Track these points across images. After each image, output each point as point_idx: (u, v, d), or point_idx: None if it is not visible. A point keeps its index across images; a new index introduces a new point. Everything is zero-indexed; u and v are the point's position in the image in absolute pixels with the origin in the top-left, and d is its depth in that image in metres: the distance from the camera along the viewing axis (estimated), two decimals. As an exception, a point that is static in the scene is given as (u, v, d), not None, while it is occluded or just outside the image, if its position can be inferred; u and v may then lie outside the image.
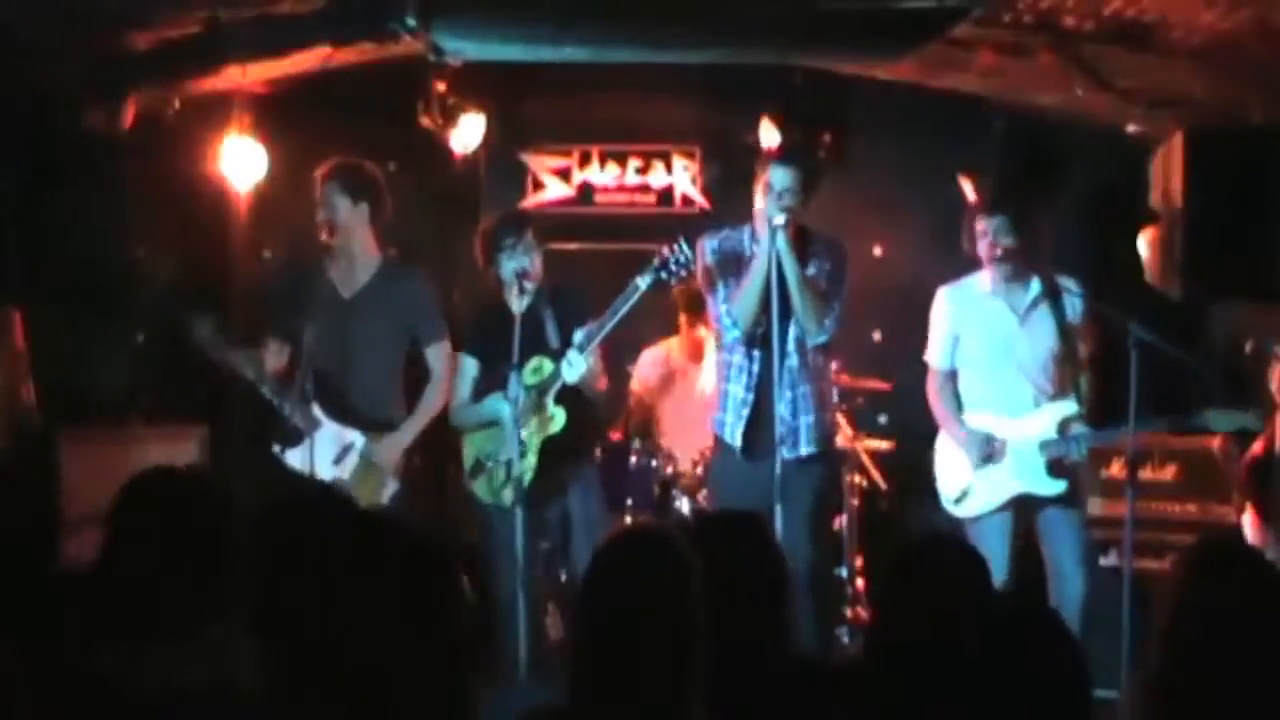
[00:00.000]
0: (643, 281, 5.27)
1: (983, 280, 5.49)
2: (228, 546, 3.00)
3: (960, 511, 5.46)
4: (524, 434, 5.40)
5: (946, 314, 5.55)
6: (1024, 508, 5.40)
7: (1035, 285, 5.43)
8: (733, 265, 5.41)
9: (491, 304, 5.62)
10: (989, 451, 5.39)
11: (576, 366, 5.36)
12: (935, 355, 5.58)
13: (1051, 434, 5.36)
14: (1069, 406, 5.40)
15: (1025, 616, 2.48)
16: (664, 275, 5.26)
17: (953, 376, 5.56)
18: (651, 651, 2.59)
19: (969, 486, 5.44)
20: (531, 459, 5.43)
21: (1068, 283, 5.47)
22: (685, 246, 5.25)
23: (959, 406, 5.52)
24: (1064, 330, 5.41)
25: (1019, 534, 5.42)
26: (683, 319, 6.88)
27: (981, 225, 5.38)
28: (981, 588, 2.92)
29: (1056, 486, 5.35)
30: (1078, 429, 5.37)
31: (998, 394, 5.44)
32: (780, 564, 3.12)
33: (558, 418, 5.43)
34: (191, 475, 3.38)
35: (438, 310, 5.81)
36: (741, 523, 3.23)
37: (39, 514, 5.77)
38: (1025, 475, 5.36)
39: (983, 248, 5.40)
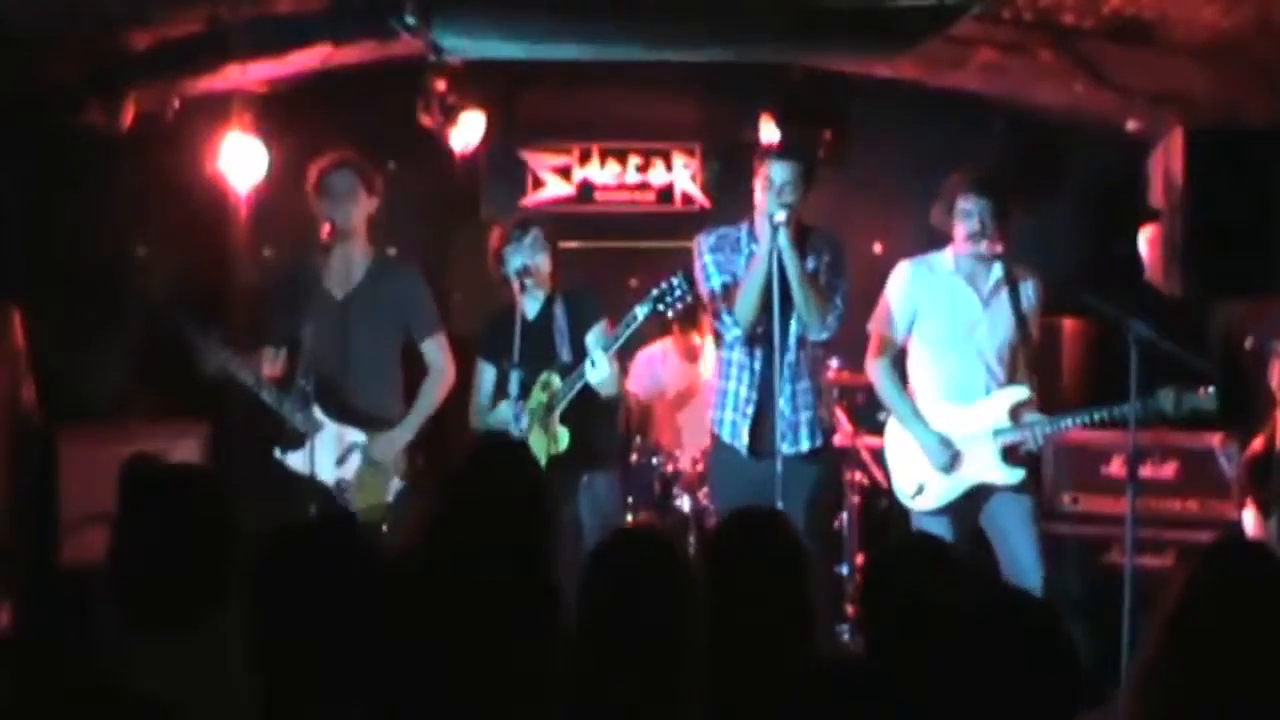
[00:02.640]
0: (641, 311, 5.28)
1: (946, 259, 5.46)
2: (231, 540, 3.02)
3: (917, 505, 5.45)
4: (530, 441, 5.42)
5: (908, 288, 5.48)
6: (978, 496, 5.40)
7: (998, 269, 5.42)
8: (729, 262, 5.41)
9: (504, 309, 5.63)
10: (950, 459, 5.38)
11: (600, 367, 5.36)
12: (886, 325, 5.49)
13: (1004, 421, 5.35)
14: (1020, 392, 5.38)
15: (1017, 609, 2.48)
16: (661, 306, 5.26)
17: (900, 354, 5.53)
18: (646, 651, 2.60)
19: (925, 480, 5.43)
20: None
21: (1026, 274, 5.47)
22: (684, 279, 5.26)
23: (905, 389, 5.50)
24: (1020, 317, 5.40)
25: (971, 523, 5.42)
26: (675, 326, 6.91)
27: (965, 204, 5.35)
28: (964, 583, 2.92)
29: (1014, 475, 5.35)
30: (1030, 415, 5.36)
31: (951, 379, 5.41)
32: (802, 557, 3.11)
33: (562, 438, 5.45)
34: (189, 467, 3.42)
35: (431, 304, 5.81)
36: (762, 520, 3.22)
37: (39, 514, 5.78)
38: (981, 465, 5.35)
39: (960, 228, 5.37)
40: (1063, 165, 7.30)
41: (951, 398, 5.41)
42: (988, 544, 5.39)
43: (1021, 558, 5.26)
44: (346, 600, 2.68)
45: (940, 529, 5.25)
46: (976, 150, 7.06)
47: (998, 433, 5.33)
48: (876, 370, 5.52)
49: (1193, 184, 6.28)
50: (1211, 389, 5.11)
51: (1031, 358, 5.46)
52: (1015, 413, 5.35)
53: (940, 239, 5.54)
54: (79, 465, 5.87)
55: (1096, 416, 5.23)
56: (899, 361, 5.53)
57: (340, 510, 5.44)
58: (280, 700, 2.58)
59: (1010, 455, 5.34)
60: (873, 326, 5.55)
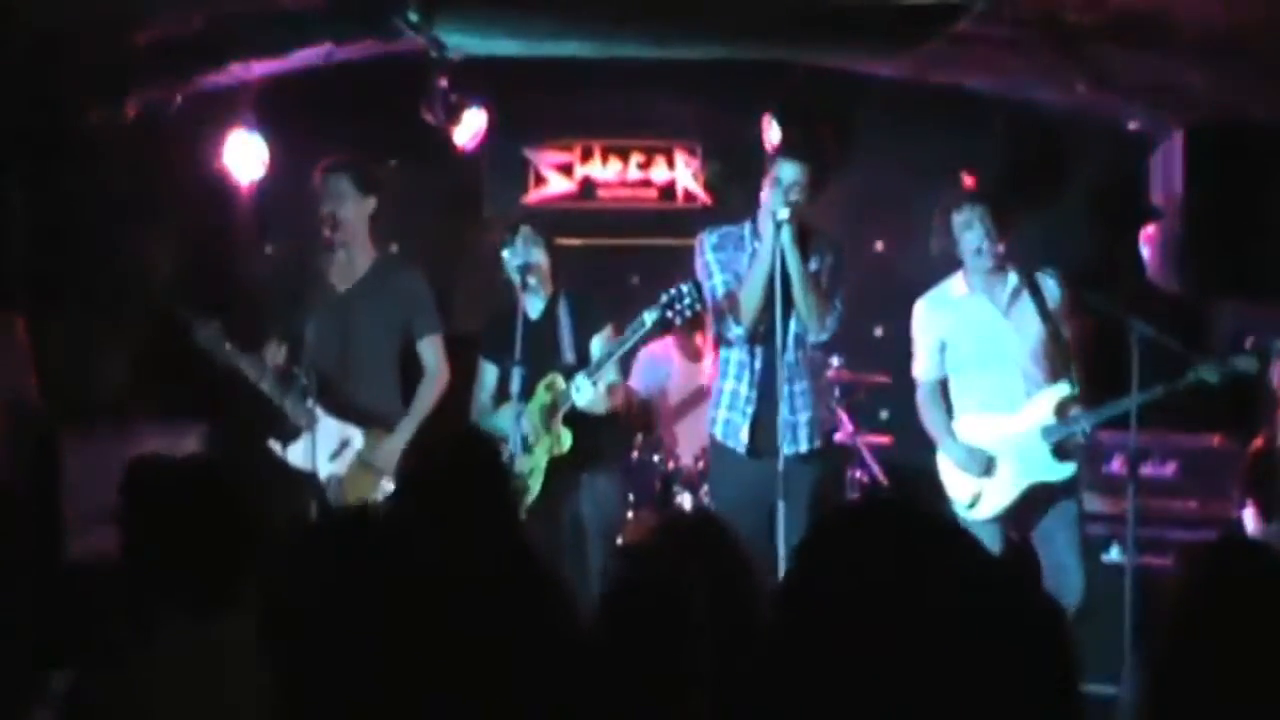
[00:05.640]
0: (649, 317, 5.27)
1: (958, 283, 5.46)
2: (241, 537, 3.03)
3: (975, 515, 5.41)
4: (532, 440, 5.43)
5: (930, 323, 5.52)
6: (1031, 499, 5.40)
7: (1012, 277, 5.41)
8: (733, 260, 5.41)
9: (506, 307, 5.64)
10: (984, 464, 5.39)
11: (585, 392, 5.38)
12: (922, 368, 5.55)
13: (1051, 419, 5.35)
14: (1062, 389, 5.38)
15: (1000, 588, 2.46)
16: (669, 314, 5.24)
17: (941, 385, 5.55)
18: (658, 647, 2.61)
19: (980, 490, 5.43)
20: (538, 478, 5.45)
21: (1044, 272, 5.47)
22: (693, 287, 5.25)
23: (950, 414, 5.51)
24: (1047, 316, 5.39)
25: (1021, 528, 5.43)
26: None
27: (962, 217, 5.34)
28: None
29: (1065, 470, 5.34)
30: (1075, 410, 5.37)
31: (992, 393, 5.42)
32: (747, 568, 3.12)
33: (565, 439, 5.45)
34: (199, 465, 3.43)
35: (432, 305, 5.82)
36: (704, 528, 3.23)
37: (42, 512, 5.78)
38: (1034, 466, 5.35)
39: (965, 241, 5.35)
40: (1064, 164, 7.30)
41: (994, 410, 5.41)
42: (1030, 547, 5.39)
43: (1064, 560, 5.25)
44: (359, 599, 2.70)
45: (987, 536, 5.22)
46: (978, 149, 7.07)
47: (1046, 431, 5.33)
48: (925, 413, 5.56)
49: (1194, 183, 6.29)
50: (1250, 342, 5.13)
51: (1066, 352, 5.43)
52: (1061, 410, 5.34)
53: (949, 261, 5.53)
54: (80, 463, 5.87)
55: (1138, 401, 5.20)
56: (940, 386, 5.55)
57: (339, 507, 5.45)
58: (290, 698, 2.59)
59: (1060, 452, 5.35)
60: (914, 372, 5.58)
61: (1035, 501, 5.38)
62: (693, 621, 2.66)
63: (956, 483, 5.49)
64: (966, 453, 5.39)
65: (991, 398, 5.42)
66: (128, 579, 3.04)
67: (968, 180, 5.52)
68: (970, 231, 5.32)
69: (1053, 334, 5.39)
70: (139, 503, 3.08)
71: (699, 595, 2.69)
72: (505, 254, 5.60)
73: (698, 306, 5.26)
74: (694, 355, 6.97)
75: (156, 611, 2.94)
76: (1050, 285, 5.42)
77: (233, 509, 3.06)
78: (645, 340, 5.53)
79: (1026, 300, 5.38)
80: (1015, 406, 5.38)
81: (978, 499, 5.42)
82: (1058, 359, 5.41)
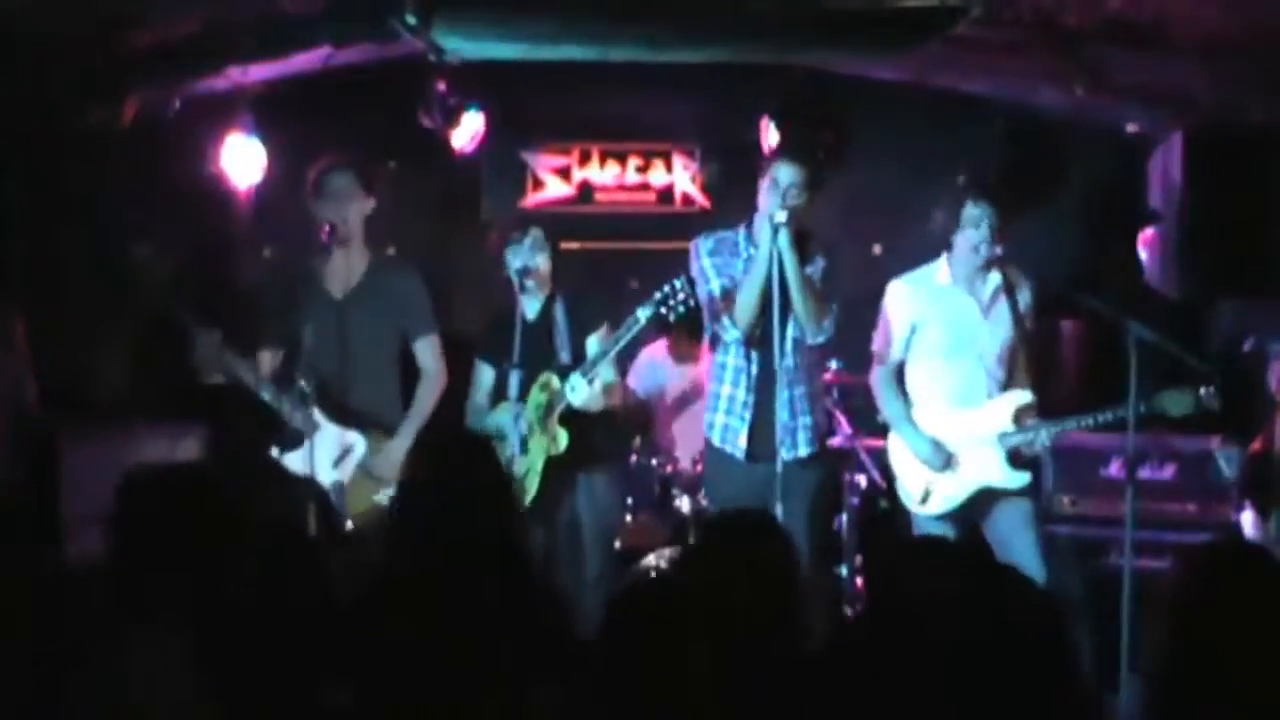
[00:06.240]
0: (643, 314, 5.27)
1: (940, 271, 5.46)
2: (229, 542, 3.03)
3: (925, 510, 5.43)
4: (529, 441, 5.43)
5: (905, 305, 5.48)
6: (982, 501, 5.40)
7: (995, 276, 5.42)
8: (728, 265, 5.40)
9: (504, 309, 5.64)
10: (946, 459, 5.39)
11: (580, 390, 5.37)
12: (887, 347, 5.52)
13: (1009, 424, 5.36)
14: (1023, 396, 5.38)
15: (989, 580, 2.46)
16: (664, 310, 5.24)
17: (900, 369, 5.56)
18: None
19: (931, 485, 5.44)
20: (535, 479, 5.45)
21: (1022, 278, 5.47)
22: (686, 282, 5.25)
23: (907, 401, 5.51)
24: (1018, 321, 5.41)
25: (973, 527, 5.42)
26: (682, 333, 6.91)
27: (975, 210, 5.34)
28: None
29: (1020, 479, 5.35)
30: (1034, 418, 5.36)
31: (955, 386, 5.41)
32: (794, 562, 3.13)
33: (561, 439, 5.45)
34: (191, 472, 3.43)
35: (428, 306, 5.81)
36: (754, 522, 3.23)
37: (41, 513, 5.78)
38: (987, 468, 5.35)
39: (967, 234, 5.36)
40: (1063, 167, 7.31)
41: (956, 404, 5.41)
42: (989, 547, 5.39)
43: (1023, 561, 5.25)
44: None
45: (942, 532, 5.26)
46: (977, 152, 7.08)
47: (1003, 437, 5.33)
48: (875, 381, 5.55)
49: (1192, 185, 6.30)
50: (1213, 387, 5.11)
51: (1030, 360, 5.47)
52: (1019, 416, 5.35)
53: (938, 247, 5.54)
54: (80, 465, 5.87)
55: (1099, 419, 5.23)
56: (897, 371, 5.55)
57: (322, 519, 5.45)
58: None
59: (1015, 459, 5.35)
60: (875, 346, 5.57)
61: (985, 502, 5.39)
62: (695, 622, 2.65)
63: (910, 475, 5.48)
64: (932, 446, 5.39)
65: (955, 392, 5.42)
66: (118, 584, 3.04)
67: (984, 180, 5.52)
68: (975, 229, 5.32)
69: (1021, 338, 5.41)
70: (129, 512, 3.09)
71: (721, 594, 2.69)
72: (509, 253, 5.60)
73: (692, 302, 5.25)
74: (692, 359, 6.97)
75: (147, 615, 2.94)
76: (1025, 291, 5.44)
77: (223, 517, 3.06)
78: (640, 337, 5.52)
79: (1004, 302, 5.40)
80: (977, 403, 5.38)
81: (928, 495, 5.42)
82: (1021, 363, 5.43)
